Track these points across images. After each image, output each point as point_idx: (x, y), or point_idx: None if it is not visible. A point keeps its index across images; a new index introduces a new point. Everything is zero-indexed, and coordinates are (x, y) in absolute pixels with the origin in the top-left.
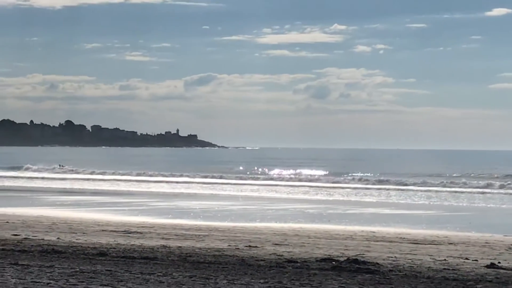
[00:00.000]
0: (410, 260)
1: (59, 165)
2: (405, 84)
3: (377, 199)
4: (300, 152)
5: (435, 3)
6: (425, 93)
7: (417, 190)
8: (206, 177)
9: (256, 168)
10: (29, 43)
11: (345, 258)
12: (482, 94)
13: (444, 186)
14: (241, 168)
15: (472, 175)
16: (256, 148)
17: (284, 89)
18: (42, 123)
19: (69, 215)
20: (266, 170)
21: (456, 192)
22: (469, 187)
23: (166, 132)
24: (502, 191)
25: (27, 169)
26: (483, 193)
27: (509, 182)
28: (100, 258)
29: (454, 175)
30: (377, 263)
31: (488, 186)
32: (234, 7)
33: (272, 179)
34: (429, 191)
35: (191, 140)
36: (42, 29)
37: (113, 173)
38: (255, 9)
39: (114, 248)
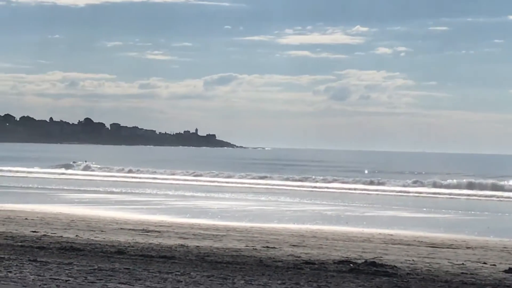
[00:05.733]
0: (428, 264)
1: (73, 162)
2: (425, 87)
3: (394, 201)
4: (317, 153)
5: (458, 7)
6: (445, 96)
7: (435, 193)
8: (226, 176)
9: (275, 169)
10: (50, 40)
11: (363, 260)
12: (503, 98)
13: (463, 189)
14: (260, 169)
15: (492, 179)
16: (274, 148)
17: (304, 90)
18: (61, 120)
19: (88, 212)
20: (285, 171)
21: (474, 196)
22: (488, 191)
23: (184, 131)
24: None
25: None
26: (502, 197)
27: None
28: (119, 256)
29: (473, 179)
30: (395, 266)
31: (507, 190)
32: (256, 7)
33: (289, 179)
34: (448, 194)
35: (210, 140)
36: (64, 26)
37: (132, 171)
38: (277, 10)
39: (133, 247)
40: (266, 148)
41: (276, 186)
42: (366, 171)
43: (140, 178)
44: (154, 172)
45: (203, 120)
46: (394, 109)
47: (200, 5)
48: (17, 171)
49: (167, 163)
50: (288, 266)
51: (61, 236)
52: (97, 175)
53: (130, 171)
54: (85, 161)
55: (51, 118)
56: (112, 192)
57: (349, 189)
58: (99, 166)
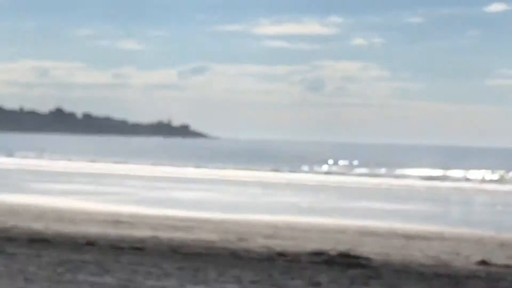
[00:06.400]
0: (401, 255)
1: (41, 151)
2: (401, 78)
3: (368, 192)
4: (292, 144)
5: None
6: (421, 87)
7: (409, 185)
8: (198, 167)
9: (249, 159)
10: (21, 28)
11: (337, 252)
12: (478, 90)
13: (438, 181)
14: (234, 159)
15: (466, 170)
16: (249, 139)
17: (280, 80)
18: (32, 110)
19: (58, 203)
20: (260, 162)
21: (449, 187)
22: (463, 183)
23: (158, 122)
24: (495, 187)
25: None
26: (476, 189)
27: (503, 178)
28: (89, 247)
29: (448, 170)
30: (369, 258)
31: (482, 182)
32: None
33: (264, 170)
34: (422, 185)
35: (184, 130)
36: (35, 14)
37: (103, 162)
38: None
39: (103, 238)
40: (241, 139)
41: (251, 177)
42: (355, 162)
43: (112, 168)
44: (126, 163)
45: (177, 110)
46: (369, 100)
47: None
48: None
49: (139, 153)
50: (261, 258)
51: (31, 227)
52: (67, 166)
53: (101, 162)
54: (52, 152)
55: (21, 108)
56: (82, 183)
57: (324, 180)
58: (68, 156)
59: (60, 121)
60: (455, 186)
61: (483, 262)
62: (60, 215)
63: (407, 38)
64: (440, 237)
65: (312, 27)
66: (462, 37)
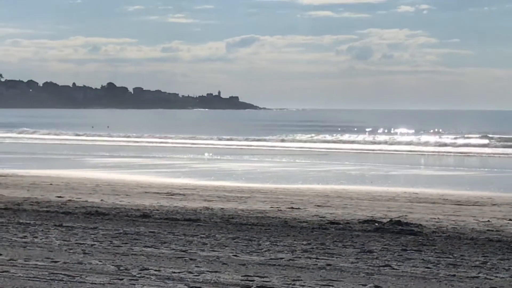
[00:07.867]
0: (453, 222)
1: (94, 126)
2: (448, 45)
3: (419, 160)
4: (341, 114)
5: None
6: (469, 53)
7: (459, 152)
8: (248, 139)
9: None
10: (72, 5)
11: (388, 219)
12: None
13: (487, 147)
14: (284, 130)
15: None
16: (298, 109)
17: (327, 50)
18: (84, 86)
19: (112, 177)
20: (310, 131)
21: (499, 153)
22: None
23: (207, 94)
24: None
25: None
26: None
27: None
28: (143, 220)
29: (497, 135)
30: (420, 225)
31: None
32: None
33: (313, 140)
34: (472, 152)
35: (233, 102)
36: None
37: (155, 136)
38: None
39: (157, 210)
40: (290, 109)
41: (300, 146)
42: (404, 130)
43: (164, 141)
44: (177, 137)
45: (226, 83)
46: (417, 67)
47: None
48: (41, 137)
49: (190, 126)
50: (313, 227)
51: (86, 201)
52: (120, 139)
53: (153, 136)
54: (107, 126)
55: (74, 83)
56: (136, 156)
57: (373, 148)
58: (121, 130)
59: (112, 96)
60: (506, 152)
61: None
62: (114, 188)
63: (453, 4)
64: (492, 203)
65: None
66: (509, 1)
